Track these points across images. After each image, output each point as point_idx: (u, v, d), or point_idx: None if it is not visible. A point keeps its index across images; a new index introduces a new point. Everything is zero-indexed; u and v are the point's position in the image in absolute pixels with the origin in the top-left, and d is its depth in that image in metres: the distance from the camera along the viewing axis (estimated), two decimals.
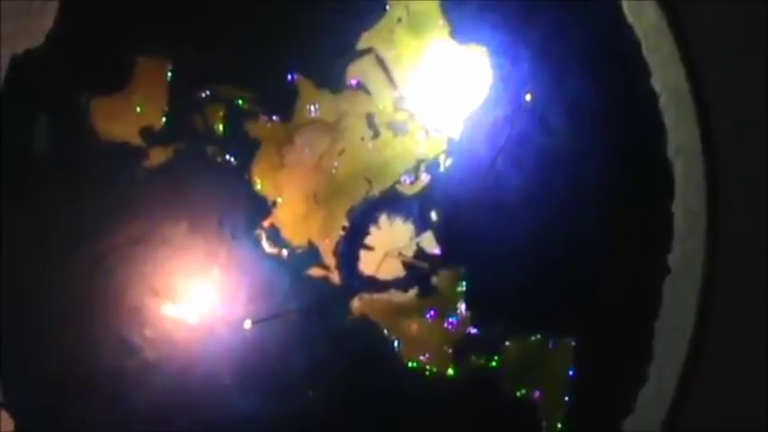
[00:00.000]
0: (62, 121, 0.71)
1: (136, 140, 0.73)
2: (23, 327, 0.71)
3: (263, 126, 0.75)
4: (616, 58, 0.80)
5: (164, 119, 0.73)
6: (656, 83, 0.80)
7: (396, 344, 0.78)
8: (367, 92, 0.76)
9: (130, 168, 0.73)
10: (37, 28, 0.71)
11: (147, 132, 0.73)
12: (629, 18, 0.79)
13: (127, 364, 0.73)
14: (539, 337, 0.80)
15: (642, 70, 0.80)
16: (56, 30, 0.71)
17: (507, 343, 0.80)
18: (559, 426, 0.81)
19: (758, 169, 0.82)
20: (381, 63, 0.76)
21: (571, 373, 0.81)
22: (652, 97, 0.80)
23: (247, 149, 0.75)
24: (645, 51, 0.80)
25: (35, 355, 0.72)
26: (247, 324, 0.74)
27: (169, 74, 0.73)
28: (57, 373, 0.72)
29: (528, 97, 0.78)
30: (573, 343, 0.80)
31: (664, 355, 0.81)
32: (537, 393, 0.81)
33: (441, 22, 0.77)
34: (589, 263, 0.80)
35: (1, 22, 0.69)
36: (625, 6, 0.79)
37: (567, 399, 0.81)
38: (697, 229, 0.81)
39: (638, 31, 0.80)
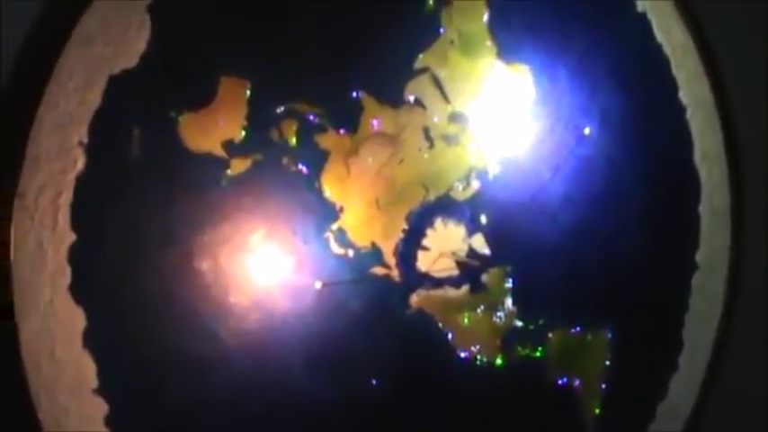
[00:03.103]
0: (154, 133, 0.93)
1: (219, 152, 0.95)
2: (118, 317, 0.93)
3: (332, 138, 0.96)
4: (647, 74, 1.03)
5: (243, 132, 0.96)
6: (684, 96, 1.03)
7: (449, 335, 1.02)
8: (423, 107, 0.98)
9: (215, 177, 0.93)
10: (132, 51, 0.94)
11: (228, 145, 0.96)
12: (659, 38, 1.02)
13: (210, 351, 0.95)
14: (578, 329, 1.03)
15: (671, 85, 1.04)
16: (148, 52, 0.94)
17: (550, 335, 1.03)
18: (597, 411, 1.03)
19: None
20: (436, 81, 0.99)
21: (607, 362, 1.04)
22: (680, 109, 1.04)
23: (317, 160, 0.94)
24: (673, 68, 1.04)
25: (128, 343, 0.93)
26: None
27: (248, 92, 0.96)
28: (147, 359, 0.94)
29: (566, 110, 1.02)
30: (609, 335, 1.04)
31: (693, 344, 1.05)
32: (577, 381, 1.03)
33: (489, 43, 1.00)
34: (624, 261, 1.02)
35: (102, 45, 0.92)
36: (654, 27, 1.03)
37: (603, 386, 1.04)
38: (722, 227, 1.04)
39: (667, 49, 1.03)
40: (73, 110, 0.86)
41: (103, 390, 0.89)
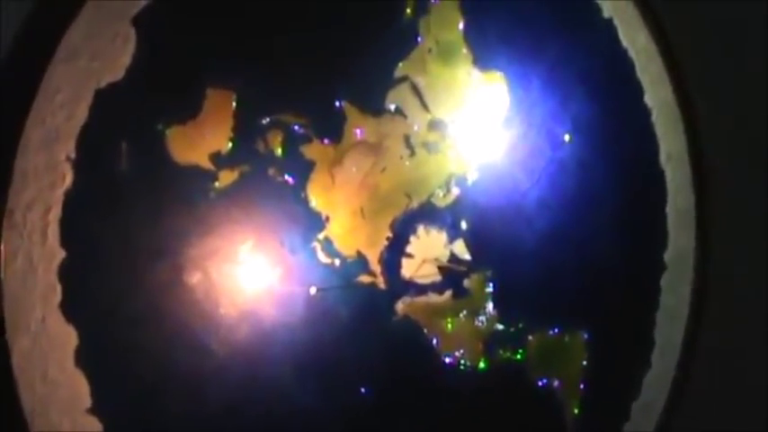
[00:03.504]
0: (141, 146, 0.95)
1: (206, 164, 0.99)
2: (110, 334, 0.95)
3: (317, 148, 1.00)
4: (614, 79, 1.10)
5: (230, 144, 1.00)
6: (649, 99, 1.11)
7: (434, 341, 1.07)
8: (404, 115, 1.02)
9: (203, 189, 0.96)
10: (118, 64, 0.96)
11: (215, 157, 0.99)
12: (624, 43, 1.09)
13: (203, 365, 0.98)
14: (556, 331, 1.10)
15: (637, 89, 1.11)
16: (134, 65, 0.97)
17: (530, 337, 1.09)
18: (576, 411, 1.10)
19: (739, 170, 1.15)
20: (415, 89, 1.04)
21: (585, 362, 1.11)
22: (645, 112, 1.12)
23: (303, 170, 0.98)
24: (638, 72, 1.12)
25: (121, 361, 0.96)
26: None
27: (234, 103, 1.00)
28: (140, 376, 0.97)
29: (539, 116, 1.08)
30: (585, 335, 1.11)
31: (663, 343, 1.12)
32: (556, 382, 1.09)
33: (464, 51, 1.07)
34: (597, 263, 1.08)
35: (88, 58, 0.95)
36: (620, 32, 1.10)
37: (582, 386, 1.11)
38: (687, 227, 1.12)
39: (632, 53, 1.10)
40: (60, 125, 0.89)
41: (97, 409, 0.90)
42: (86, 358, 0.91)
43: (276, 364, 0.95)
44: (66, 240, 0.90)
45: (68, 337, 0.90)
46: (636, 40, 1.04)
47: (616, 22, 1.04)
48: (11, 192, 0.87)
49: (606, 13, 1.03)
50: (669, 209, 1.06)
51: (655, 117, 1.05)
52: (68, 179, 0.89)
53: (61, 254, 0.88)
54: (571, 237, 1.04)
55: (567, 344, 1.02)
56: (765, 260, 1.07)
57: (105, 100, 0.91)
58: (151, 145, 0.92)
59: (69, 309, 0.90)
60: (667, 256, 1.07)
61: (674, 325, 1.07)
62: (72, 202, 0.90)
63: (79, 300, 0.90)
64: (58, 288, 0.89)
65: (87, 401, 0.91)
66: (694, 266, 1.07)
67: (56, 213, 0.88)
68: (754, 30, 1.07)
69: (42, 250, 0.87)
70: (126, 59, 0.90)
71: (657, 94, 1.06)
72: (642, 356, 1.06)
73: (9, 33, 0.87)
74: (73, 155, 0.89)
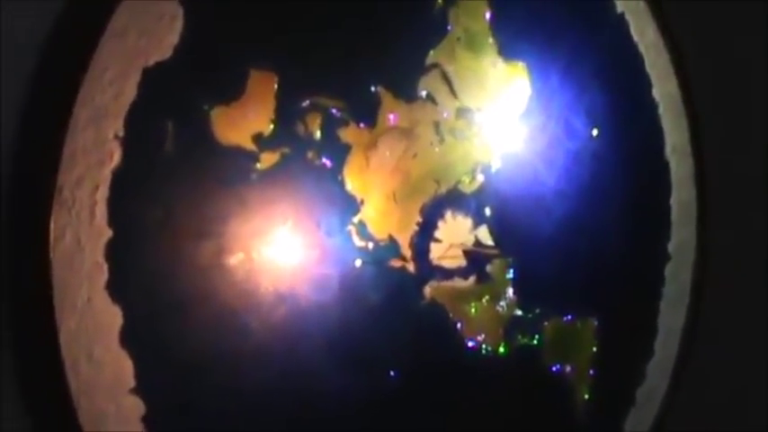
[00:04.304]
0: (187, 126, 0.98)
1: (248, 145, 1.04)
2: (154, 314, 0.98)
3: (353, 132, 1.06)
4: (625, 72, 1.19)
5: (271, 126, 1.06)
6: (656, 93, 1.21)
7: (458, 325, 1.15)
8: (434, 102, 1.09)
9: (245, 170, 1.02)
10: (165, 43, 1.01)
11: (257, 138, 1.05)
12: (635, 37, 1.19)
13: (243, 345, 1.02)
14: (569, 318, 1.19)
15: (646, 82, 1.21)
16: (181, 45, 1.02)
17: (545, 323, 1.17)
18: (586, 396, 1.20)
19: (741, 165, 1.26)
20: (445, 77, 1.12)
21: (594, 349, 1.21)
22: (653, 105, 1.22)
23: (340, 153, 1.04)
24: (647, 66, 1.22)
25: (164, 341, 0.99)
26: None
27: (276, 86, 1.06)
28: (183, 356, 1.01)
29: (556, 107, 1.17)
30: (595, 323, 1.21)
31: (666, 331, 1.22)
32: (569, 368, 1.18)
33: (490, 40, 1.15)
34: (608, 252, 1.17)
35: (136, 36, 0.99)
36: (631, 27, 1.20)
37: (591, 372, 1.21)
38: (689, 218, 1.23)
39: (641, 48, 1.20)
40: (108, 103, 0.92)
41: (140, 389, 0.94)
42: (131, 339, 0.93)
43: (311, 344, 0.99)
44: (113, 219, 0.92)
45: (114, 317, 0.92)
46: (645, 34, 1.11)
47: (628, 17, 1.11)
48: (61, 169, 0.89)
49: (619, 9, 1.10)
50: (673, 200, 1.14)
51: (662, 110, 1.13)
52: (116, 157, 0.91)
53: (108, 233, 0.90)
54: (584, 226, 1.11)
55: (579, 331, 1.10)
56: (764, 252, 1.17)
57: (153, 78, 0.93)
58: (196, 125, 0.95)
59: (115, 289, 0.92)
60: (671, 247, 1.15)
61: (676, 314, 1.15)
62: (119, 181, 0.91)
63: (124, 280, 0.92)
64: (105, 268, 0.91)
65: (131, 382, 0.93)
66: (695, 257, 1.15)
67: (103, 192, 0.90)
68: (756, 28, 1.17)
69: (90, 229, 0.90)
70: (173, 38, 0.93)
71: (664, 87, 1.13)
72: (646, 344, 1.14)
73: (60, 14, 0.90)
74: (121, 133, 0.91)
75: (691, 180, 1.16)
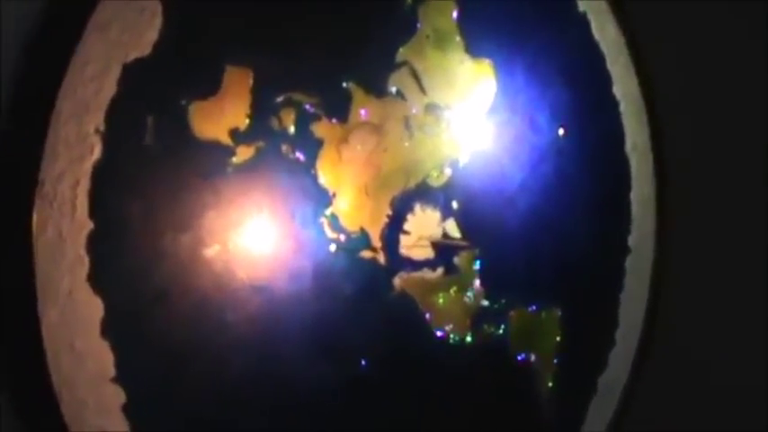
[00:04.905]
0: (166, 121, 1.00)
1: (225, 139, 1.10)
2: (134, 306, 1.04)
3: (325, 127, 1.12)
4: (588, 70, 1.27)
5: (247, 120, 1.12)
6: (617, 91, 1.29)
7: (427, 316, 1.22)
8: (404, 98, 1.16)
9: (221, 164, 1.07)
10: (145, 39, 1.07)
11: (234, 132, 1.11)
12: (596, 36, 1.28)
13: (220, 336, 1.08)
14: (534, 308, 1.27)
15: (607, 80, 1.29)
16: (160, 41, 1.07)
17: (511, 313, 1.24)
18: (550, 384, 1.27)
19: (700, 161, 1.34)
20: (414, 73, 1.19)
21: (558, 338, 1.29)
22: (614, 103, 1.30)
23: (313, 147, 1.09)
24: (608, 64, 1.30)
25: (145, 332, 1.02)
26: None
27: (251, 82, 1.13)
28: (163, 347, 1.06)
29: (522, 104, 1.25)
30: (559, 313, 1.29)
31: (627, 322, 1.30)
32: (533, 357, 1.26)
33: (458, 38, 1.22)
34: (570, 244, 1.23)
35: (118, 31, 1.05)
36: (593, 26, 1.28)
37: (555, 361, 1.29)
38: (649, 213, 1.31)
39: (603, 46, 1.28)
40: (89, 97, 0.97)
41: (121, 378, 0.98)
42: (111, 330, 0.97)
43: (286, 333, 1.04)
44: (94, 212, 0.95)
45: (95, 308, 0.96)
46: (606, 33, 1.18)
47: (589, 16, 1.17)
48: (42, 163, 0.95)
49: (581, 8, 1.17)
50: (633, 196, 1.21)
51: (623, 108, 1.20)
52: (97, 151, 0.95)
53: (89, 225, 0.94)
54: (548, 219, 1.17)
55: (543, 320, 1.17)
56: (727, 249, 1.26)
57: (132, 74, 0.97)
58: (175, 120, 0.99)
59: (96, 281, 0.96)
60: (631, 241, 1.22)
61: (637, 306, 1.23)
62: (100, 175, 0.95)
63: (105, 272, 0.96)
64: (86, 260, 0.95)
65: (112, 371, 0.97)
66: (655, 251, 1.23)
67: (84, 185, 0.94)
68: (720, 26, 1.25)
69: (71, 222, 0.94)
70: (153, 35, 0.97)
71: (625, 85, 1.20)
72: (608, 334, 1.21)
73: (43, 8, 0.96)
74: (102, 127, 0.95)
75: (650, 176, 1.22)
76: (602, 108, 1.21)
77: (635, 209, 1.23)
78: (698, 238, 1.25)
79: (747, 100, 1.27)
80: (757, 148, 1.29)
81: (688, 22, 1.23)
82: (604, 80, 1.21)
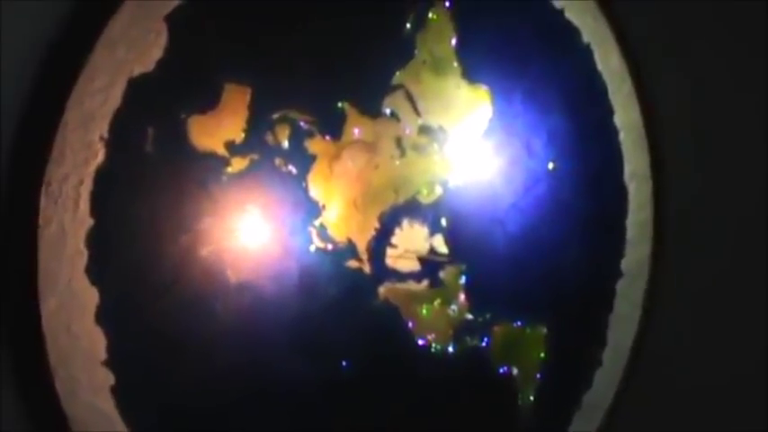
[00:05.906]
0: (165, 132, 1.11)
1: (221, 151, 1.25)
2: (128, 296, 1.14)
3: (319, 143, 1.23)
4: (589, 99, 1.35)
5: (243, 134, 1.28)
6: (618, 120, 1.32)
7: (410, 324, 1.33)
8: (397, 119, 1.23)
9: (217, 173, 1.18)
10: (150, 57, 1.25)
11: (229, 145, 1.24)
12: (600, 66, 1.37)
13: (208, 329, 1.21)
14: (519, 324, 1.39)
15: (608, 109, 1.34)
16: (164, 59, 1.25)
17: (495, 328, 1.29)
18: (531, 398, 1.33)
19: (697, 191, 1.38)
20: (409, 96, 1.32)
21: (542, 354, 1.39)
22: (614, 131, 1.40)
23: (305, 162, 1.20)
24: (610, 94, 1.39)
25: (136, 321, 1.11)
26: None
27: (249, 98, 1.29)
28: (153, 335, 1.17)
29: (518, 129, 1.39)
30: (545, 330, 1.42)
31: (615, 343, 1.34)
32: (515, 371, 1.33)
33: (455, 64, 1.36)
34: (560, 265, 1.28)
35: (125, 49, 1.24)
36: (597, 56, 1.38)
37: (538, 376, 1.36)
38: (644, 239, 1.40)
39: (606, 76, 1.38)
40: (96, 108, 1.12)
41: (111, 362, 1.14)
42: (105, 317, 1.12)
43: (271, 330, 1.18)
44: (94, 210, 1.10)
45: (91, 297, 1.10)
46: (609, 62, 1.28)
47: (593, 46, 1.27)
48: (50, 165, 1.13)
49: (585, 38, 1.28)
50: (629, 222, 1.30)
51: (622, 137, 1.29)
52: (100, 156, 1.09)
53: (90, 222, 1.10)
54: (539, 240, 1.27)
55: (528, 336, 1.27)
56: (719, 273, 1.36)
57: (137, 88, 1.11)
58: (174, 131, 1.13)
59: (93, 272, 1.11)
60: (624, 265, 1.31)
61: (626, 328, 1.32)
62: (102, 177, 1.10)
63: (102, 265, 1.11)
64: (85, 253, 1.11)
65: (103, 355, 1.13)
66: (648, 276, 1.31)
67: (87, 186, 1.08)
68: (720, 51, 1.34)
69: (73, 218, 1.11)
70: (157, 53, 1.12)
71: (627, 115, 1.29)
72: (594, 354, 1.31)
73: (56, 24, 1.14)
74: (106, 135, 1.09)
75: (648, 203, 1.30)
76: (602, 136, 1.29)
77: (630, 234, 1.31)
78: (695, 264, 1.33)
79: (751, 127, 1.35)
80: (759, 174, 1.36)
81: (692, 49, 1.32)
82: (605, 109, 1.29)
